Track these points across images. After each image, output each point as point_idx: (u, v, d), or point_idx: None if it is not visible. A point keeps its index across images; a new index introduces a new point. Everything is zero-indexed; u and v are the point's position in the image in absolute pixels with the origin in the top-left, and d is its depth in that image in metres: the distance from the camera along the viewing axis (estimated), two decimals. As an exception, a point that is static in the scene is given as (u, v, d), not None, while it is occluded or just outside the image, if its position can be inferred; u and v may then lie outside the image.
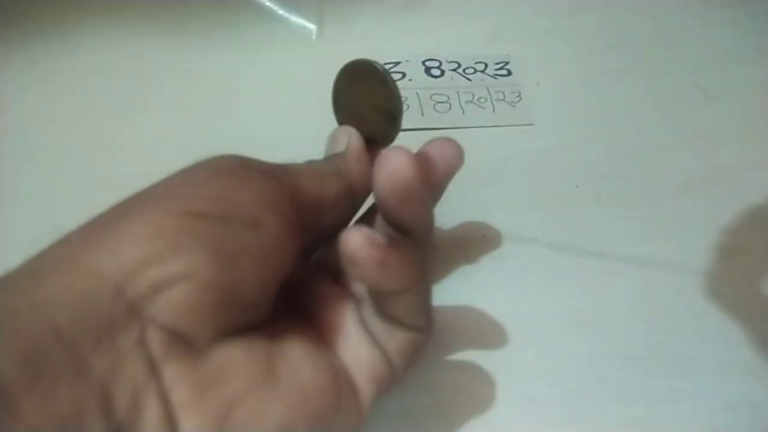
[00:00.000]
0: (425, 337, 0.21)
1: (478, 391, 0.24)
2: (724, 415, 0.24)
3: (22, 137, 0.33)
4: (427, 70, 0.39)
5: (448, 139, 0.23)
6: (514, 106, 0.37)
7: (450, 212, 0.30)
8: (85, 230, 0.17)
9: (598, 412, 0.24)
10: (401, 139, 0.27)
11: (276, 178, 0.19)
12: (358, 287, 0.22)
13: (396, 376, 0.21)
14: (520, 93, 0.37)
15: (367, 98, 0.24)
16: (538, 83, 0.37)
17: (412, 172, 0.18)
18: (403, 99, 0.26)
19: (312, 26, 0.40)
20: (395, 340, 0.21)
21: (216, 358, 0.17)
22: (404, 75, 0.38)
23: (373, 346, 0.21)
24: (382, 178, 0.18)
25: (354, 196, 0.23)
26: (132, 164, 0.32)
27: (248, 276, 0.18)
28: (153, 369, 0.16)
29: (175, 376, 0.16)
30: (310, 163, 0.22)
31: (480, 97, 0.37)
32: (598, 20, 0.41)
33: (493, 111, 0.36)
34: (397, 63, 0.39)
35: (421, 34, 0.40)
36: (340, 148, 0.23)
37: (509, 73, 0.39)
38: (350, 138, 0.23)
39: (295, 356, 0.19)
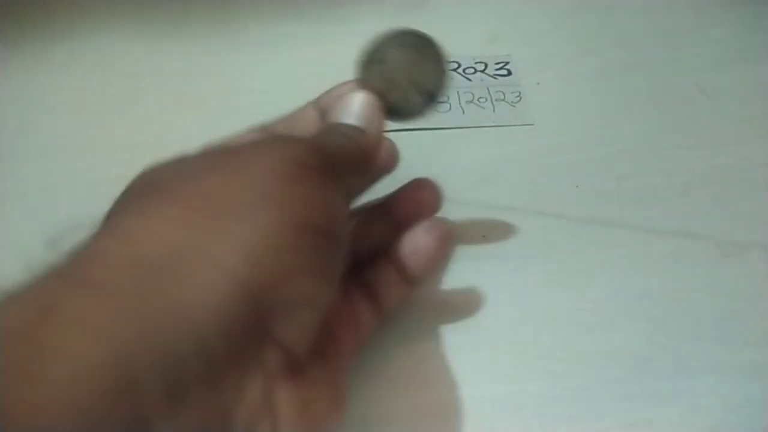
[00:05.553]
0: None
1: (478, 391, 0.24)
2: (724, 415, 0.24)
3: (22, 137, 0.33)
4: (427, 70, 0.39)
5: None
6: (514, 106, 0.37)
7: (450, 212, 0.30)
8: (195, 218, 0.16)
9: (598, 412, 0.24)
10: (399, 139, 0.27)
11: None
12: None
13: None
14: (520, 93, 0.37)
15: (408, 69, 0.23)
16: (538, 83, 0.37)
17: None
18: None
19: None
20: None
21: (311, 377, 0.17)
22: (404, 75, 0.38)
23: None
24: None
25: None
26: (131, 164, 0.32)
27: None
28: (269, 390, 0.16)
29: (284, 396, 0.16)
30: (331, 132, 0.22)
31: (480, 97, 0.37)
32: (599, 20, 0.41)
33: (493, 111, 0.36)
34: (397, 63, 0.39)
35: (421, 34, 0.40)
36: (358, 118, 0.22)
37: (509, 73, 0.39)
38: (375, 119, 0.22)
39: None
